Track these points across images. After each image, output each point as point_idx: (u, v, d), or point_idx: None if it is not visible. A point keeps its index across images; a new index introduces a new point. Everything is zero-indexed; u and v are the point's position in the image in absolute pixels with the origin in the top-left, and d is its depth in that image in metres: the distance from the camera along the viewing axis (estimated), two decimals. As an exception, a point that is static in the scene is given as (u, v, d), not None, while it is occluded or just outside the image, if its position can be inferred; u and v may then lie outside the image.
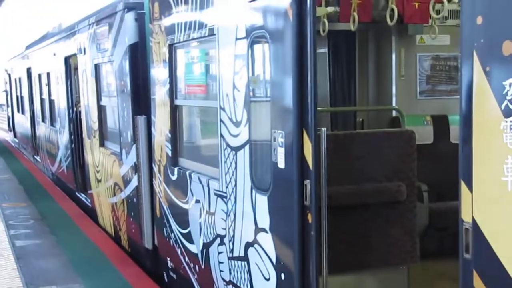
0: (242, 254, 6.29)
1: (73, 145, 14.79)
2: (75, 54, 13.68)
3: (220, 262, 6.87)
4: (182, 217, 7.99)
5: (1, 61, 38.05)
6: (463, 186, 3.54)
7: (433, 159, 7.93)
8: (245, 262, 6.23)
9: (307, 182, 5.08)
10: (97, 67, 11.94)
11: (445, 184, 6.78)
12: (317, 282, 5.14)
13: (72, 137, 14.81)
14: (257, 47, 5.94)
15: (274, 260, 5.70)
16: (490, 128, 3.30)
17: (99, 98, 11.97)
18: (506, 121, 3.18)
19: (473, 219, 3.43)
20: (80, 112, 13.79)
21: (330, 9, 7.41)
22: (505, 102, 3.19)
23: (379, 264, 6.35)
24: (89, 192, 13.47)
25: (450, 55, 8.76)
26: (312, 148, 5.02)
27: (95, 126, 12.22)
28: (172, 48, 8.12)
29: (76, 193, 14.98)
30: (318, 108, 5.20)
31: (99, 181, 12.34)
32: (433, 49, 8.61)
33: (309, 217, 5.10)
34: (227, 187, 6.57)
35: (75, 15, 16.54)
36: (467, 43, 3.43)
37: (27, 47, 23.67)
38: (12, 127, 31.19)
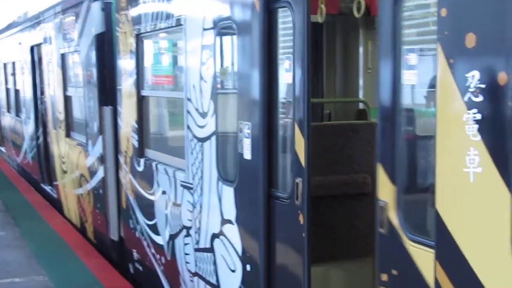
0: (208, 245, 6.28)
1: (38, 136, 14.63)
2: (41, 44, 13.51)
3: (186, 254, 6.86)
4: (148, 209, 7.95)
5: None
6: (380, 168, 3.95)
7: None
8: (211, 254, 6.22)
9: (298, 180, 4.74)
10: (63, 57, 11.81)
11: None
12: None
13: (38, 127, 14.65)
14: (224, 38, 5.92)
15: (240, 252, 5.69)
16: (453, 120, 3.32)
17: (65, 89, 11.85)
18: (469, 113, 3.21)
19: (436, 210, 3.46)
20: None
21: None
22: (468, 94, 3.21)
23: (344, 255, 6.38)
24: (54, 183, 13.34)
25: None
26: (305, 144, 4.67)
27: (61, 116, 12.09)
28: (138, 39, 8.05)
29: (41, 185, 14.83)
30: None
31: (64, 172, 12.22)
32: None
33: (301, 218, 4.75)
34: (193, 178, 6.54)
35: (42, 4, 16.32)
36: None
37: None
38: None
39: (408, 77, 3.90)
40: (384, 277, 3.99)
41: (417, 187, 4.19)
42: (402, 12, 3.82)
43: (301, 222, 4.73)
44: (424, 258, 3.65)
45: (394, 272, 3.90)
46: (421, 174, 4.20)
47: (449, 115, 3.36)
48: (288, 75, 4.93)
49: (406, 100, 3.98)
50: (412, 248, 3.74)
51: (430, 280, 3.57)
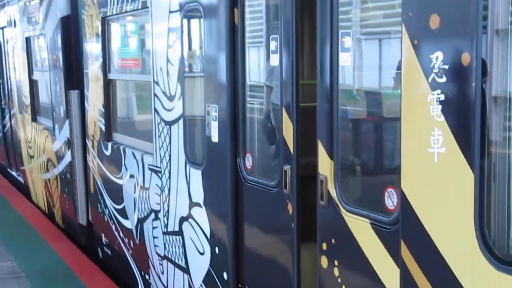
0: (176, 228, 6.28)
1: (4, 121, 14.45)
2: (4, 27, 13.32)
3: (154, 237, 6.85)
4: (116, 193, 7.92)
5: None
6: (319, 145, 4.16)
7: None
8: (180, 237, 6.22)
9: (287, 167, 4.54)
10: (28, 40, 11.65)
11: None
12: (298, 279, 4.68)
13: (3, 112, 14.47)
14: (191, 21, 5.89)
15: (208, 234, 5.70)
16: (418, 101, 3.35)
17: (30, 73, 11.70)
18: (433, 94, 3.24)
19: (401, 190, 3.50)
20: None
21: None
22: (432, 75, 3.24)
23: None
24: (21, 168, 13.21)
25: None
26: (294, 129, 4.49)
27: (27, 101, 11.96)
28: (105, 21, 7.97)
29: (8, 170, 14.67)
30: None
31: (31, 157, 12.11)
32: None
33: (289, 207, 4.56)
34: (161, 161, 6.52)
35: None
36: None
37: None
38: None
39: (343, 59, 4.05)
40: (324, 246, 4.22)
41: (354, 162, 4.33)
42: None
43: (290, 212, 4.56)
44: (359, 227, 3.89)
45: (333, 241, 4.14)
46: (357, 150, 4.37)
47: (414, 96, 3.39)
48: (274, 57, 4.73)
49: (342, 81, 4.16)
50: (348, 218, 3.98)
51: (364, 248, 3.84)
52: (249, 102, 5.19)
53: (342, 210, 4.06)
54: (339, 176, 4.13)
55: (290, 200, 4.54)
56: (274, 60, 4.69)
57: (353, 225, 3.97)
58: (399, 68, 3.54)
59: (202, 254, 5.83)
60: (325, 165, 4.18)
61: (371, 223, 3.82)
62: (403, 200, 3.49)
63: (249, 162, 5.10)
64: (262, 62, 5.20)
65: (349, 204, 4.05)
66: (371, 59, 4.33)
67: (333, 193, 4.13)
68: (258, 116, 5.32)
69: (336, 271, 4.15)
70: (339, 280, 4.13)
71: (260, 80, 5.28)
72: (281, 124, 4.58)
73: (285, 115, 4.54)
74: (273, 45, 4.68)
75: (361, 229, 3.89)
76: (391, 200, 3.76)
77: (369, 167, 4.36)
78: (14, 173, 14.11)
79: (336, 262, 4.15)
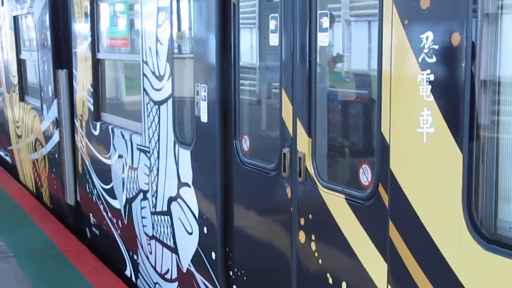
0: (165, 208, 6.28)
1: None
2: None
3: (143, 217, 6.85)
4: (104, 173, 7.90)
5: None
6: (298, 123, 4.29)
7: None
8: (168, 217, 6.23)
9: (286, 150, 4.45)
10: (15, 19, 11.56)
11: None
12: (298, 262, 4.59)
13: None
14: (181, 0, 5.86)
15: (196, 214, 5.71)
16: (407, 81, 3.36)
17: (18, 52, 11.62)
18: (423, 74, 3.24)
19: (390, 170, 3.52)
20: None
21: None
22: (422, 55, 3.24)
23: None
24: (9, 148, 13.15)
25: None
26: (293, 111, 4.37)
27: (15, 80, 11.88)
28: (93, 0, 7.91)
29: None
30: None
31: (19, 137, 12.06)
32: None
33: (288, 190, 4.50)
34: (150, 142, 6.51)
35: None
36: None
37: None
38: None
39: (321, 39, 4.15)
40: (302, 221, 4.34)
41: (331, 140, 4.41)
42: None
43: (289, 195, 4.50)
44: (335, 202, 4.02)
45: (310, 216, 4.27)
46: (334, 128, 4.44)
47: (404, 76, 3.39)
48: (273, 37, 4.63)
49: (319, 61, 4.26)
50: (324, 194, 4.11)
51: (340, 223, 3.98)
52: (243, 83, 5.15)
53: (319, 186, 4.17)
54: (317, 153, 4.25)
55: (289, 183, 4.50)
56: (274, 39, 4.61)
57: (329, 200, 4.08)
58: (384, 49, 3.55)
59: (190, 234, 5.84)
60: (303, 143, 4.30)
61: (346, 198, 3.94)
62: (392, 180, 3.51)
63: (246, 144, 5.07)
64: (256, 41, 5.17)
65: (326, 180, 4.17)
66: (355, 40, 4.36)
67: (311, 170, 4.24)
68: (255, 98, 5.30)
69: (313, 246, 4.26)
70: (316, 255, 4.23)
71: (254, 61, 5.25)
72: (280, 106, 4.52)
73: (284, 96, 4.47)
74: (272, 24, 4.61)
75: (336, 204, 4.02)
76: (365, 176, 3.86)
77: (345, 144, 4.44)
78: (1, 153, 14.06)
79: (313, 237, 4.26)
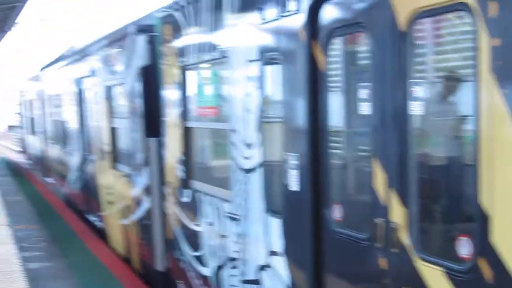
0: (255, 277, 6.23)
1: (84, 167, 14.80)
2: (87, 76, 13.73)
3: (232, 286, 6.81)
4: (194, 240, 7.94)
5: (16, 83, 38.36)
6: (392, 193, 4.16)
7: None
8: (258, 286, 6.17)
9: (379, 220, 4.36)
10: (108, 89, 11.97)
11: None
12: None
13: (84, 159, 14.82)
14: (269, 69, 5.92)
15: (287, 284, 5.63)
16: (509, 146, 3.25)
17: (110, 120, 11.98)
18: None
19: (492, 242, 3.37)
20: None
21: None
22: None
23: None
24: (100, 214, 13.44)
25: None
26: (386, 180, 4.29)
27: (107, 148, 12.22)
28: (183, 70, 8.11)
29: (87, 215, 14.96)
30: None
31: (110, 203, 12.32)
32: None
33: (382, 262, 4.37)
34: (239, 209, 6.52)
35: (89, 37, 16.63)
36: None
37: (41, 69, 23.80)
38: (24, 149, 31.28)
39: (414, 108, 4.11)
40: None
41: (427, 210, 4.30)
42: None
43: (383, 267, 4.37)
44: (432, 274, 3.90)
45: None
46: (430, 198, 4.33)
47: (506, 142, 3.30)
48: (365, 105, 4.60)
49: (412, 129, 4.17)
50: (421, 266, 4.00)
51: None
52: (333, 150, 5.11)
53: (415, 257, 4.06)
54: (411, 224, 4.14)
55: (382, 254, 4.39)
56: (365, 108, 4.59)
57: (426, 272, 3.96)
58: (478, 113, 3.48)
59: (280, 304, 5.75)
60: (397, 213, 4.21)
61: (444, 271, 3.80)
62: (494, 254, 3.37)
63: (337, 213, 5.00)
64: (346, 108, 5.13)
65: (422, 251, 4.05)
66: (446, 104, 4.29)
67: (406, 241, 4.13)
68: (345, 166, 5.25)
69: None
70: None
71: (345, 127, 5.21)
72: (373, 174, 4.46)
73: (376, 165, 4.41)
74: (363, 92, 4.61)
75: (434, 276, 3.88)
76: (464, 248, 3.72)
77: (441, 214, 4.31)
78: (93, 218, 14.38)
79: None
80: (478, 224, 3.52)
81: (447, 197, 4.33)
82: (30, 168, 28.88)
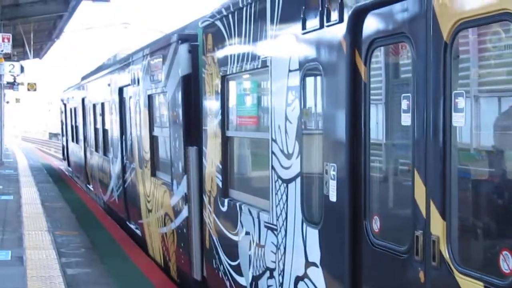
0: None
1: (125, 175, 14.94)
2: (129, 85, 13.87)
3: (269, 296, 6.79)
4: (231, 249, 7.95)
5: (58, 91, 38.98)
6: (432, 204, 4.11)
7: None
8: (295, 297, 6.14)
9: (418, 233, 4.32)
10: (150, 97, 12.07)
11: None
12: None
13: (125, 167, 14.96)
14: (310, 79, 5.91)
15: (324, 295, 5.59)
16: None
17: (151, 129, 12.08)
18: None
19: None
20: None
21: None
22: None
23: None
24: (139, 221, 13.54)
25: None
26: (427, 193, 4.26)
27: (147, 156, 12.32)
28: (224, 80, 8.15)
29: (128, 223, 15.09)
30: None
31: (149, 211, 12.40)
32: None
33: (421, 275, 4.33)
34: (277, 219, 6.51)
35: (131, 46, 16.84)
36: None
37: (83, 78, 24.15)
38: (66, 156, 31.74)
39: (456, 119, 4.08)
40: None
41: (467, 223, 4.26)
42: None
43: (422, 280, 4.32)
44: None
45: None
46: (471, 210, 4.28)
47: None
48: (405, 116, 4.55)
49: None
50: (461, 280, 3.96)
51: None
52: (374, 161, 5.07)
53: (455, 271, 4.00)
54: (452, 237, 4.09)
55: (422, 267, 4.33)
56: (406, 119, 4.55)
57: (466, 287, 3.89)
58: None
59: (317, 315, 5.72)
60: (437, 225, 4.15)
61: (485, 286, 3.74)
62: None
63: (376, 225, 4.95)
64: (388, 119, 5.08)
65: (462, 265, 3.98)
66: (489, 117, 4.21)
67: (446, 254, 4.08)
68: (385, 177, 5.20)
69: None
70: None
71: (385, 139, 5.16)
72: (413, 186, 4.42)
73: (417, 176, 4.37)
74: (404, 104, 4.56)
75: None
76: (506, 263, 3.65)
77: (484, 228, 4.22)
78: (132, 226, 14.49)
79: None
80: None
81: (489, 210, 4.25)
82: (71, 176, 29.27)
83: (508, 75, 4.00)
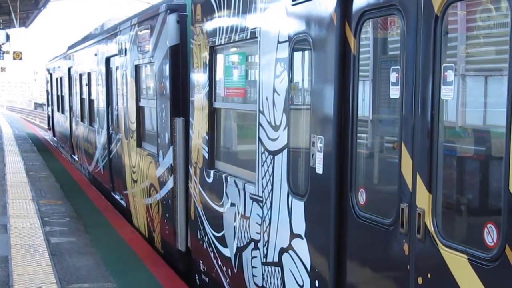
0: (276, 259, 6.23)
1: (111, 146, 14.89)
2: (116, 55, 13.77)
3: (253, 267, 6.82)
4: (216, 220, 7.96)
5: (44, 61, 38.63)
6: (418, 178, 4.12)
7: None
8: (279, 268, 6.17)
9: (404, 205, 4.35)
10: (137, 68, 12.00)
11: None
12: None
13: (110, 137, 14.91)
14: (299, 52, 5.89)
15: (308, 267, 5.63)
16: None
17: (138, 99, 12.02)
18: None
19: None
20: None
21: None
22: None
23: None
24: (124, 192, 13.54)
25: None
26: (414, 166, 4.29)
27: (133, 127, 12.28)
28: (213, 51, 8.11)
29: (112, 193, 15.08)
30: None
31: (134, 182, 12.39)
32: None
33: (405, 247, 4.36)
34: (263, 191, 6.52)
35: (118, 16, 16.70)
36: None
37: (69, 48, 23.94)
38: (51, 126, 31.58)
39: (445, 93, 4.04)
40: (420, 280, 4.22)
41: (452, 197, 4.31)
42: None
43: (406, 252, 4.36)
44: (456, 262, 3.88)
45: (429, 275, 4.14)
46: (455, 184, 4.30)
47: None
48: (394, 89, 4.54)
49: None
50: (445, 252, 3.99)
51: (461, 284, 3.84)
52: (361, 133, 5.08)
53: (439, 244, 4.04)
54: (437, 210, 4.12)
55: (406, 240, 4.36)
56: (395, 92, 4.55)
57: (450, 260, 3.93)
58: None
59: (301, 286, 5.75)
60: (423, 198, 4.18)
61: (468, 259, 3.77)
62: None
63: (362, 198, 4.97)
64: (376, 92, 5.09)
65: (446, 238, 4.02)
66: (476, 95, 4.23)
67: (430, 227, 4.11)
68: (372, 150, 5.21)
69: None
70: None
71: (372, 113, 5.17)
72: (400, 160, 4.43)
73: (404, 150, 4.38)
74: (393, 76, 4.55)
75: (458, 264, 3.86)
76: (490, 235, 3.68)
77: (468, 202, 4.27)
78: (117, 197, 14.49)
79: None
80: (506, 213, 3.48)
81: (474, 184, 4.28)
82: (56, 146, 29.15)
83: (497, 54, 4.00)
